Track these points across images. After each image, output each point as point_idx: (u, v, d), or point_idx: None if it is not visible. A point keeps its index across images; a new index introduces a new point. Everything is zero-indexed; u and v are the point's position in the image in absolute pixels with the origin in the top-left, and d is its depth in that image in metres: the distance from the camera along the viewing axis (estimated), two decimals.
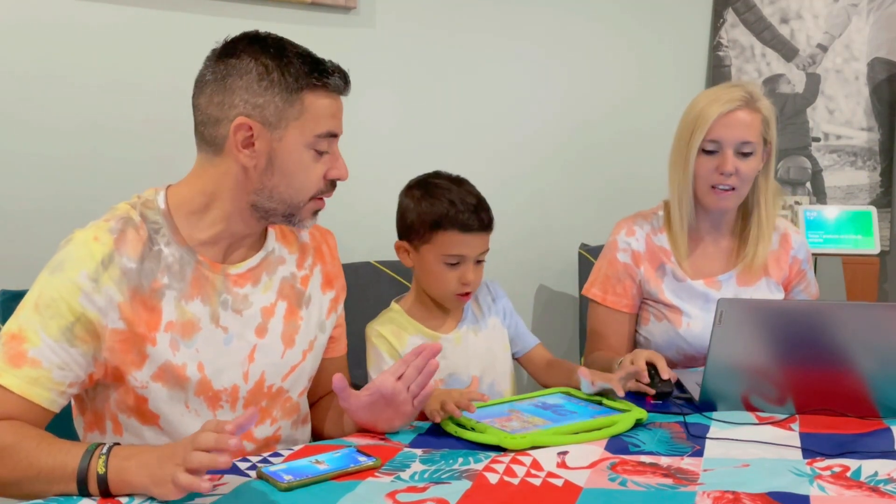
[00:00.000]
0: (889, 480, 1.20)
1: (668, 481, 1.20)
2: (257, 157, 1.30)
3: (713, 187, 1.85)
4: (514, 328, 1.83)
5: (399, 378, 1.36)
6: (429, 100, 2.51)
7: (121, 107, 2.02)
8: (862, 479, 1.21)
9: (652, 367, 1.62)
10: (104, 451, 1.14)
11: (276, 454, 1.31)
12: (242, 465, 1.25)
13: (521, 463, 1.26)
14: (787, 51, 2.96)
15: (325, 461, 1.24)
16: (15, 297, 1.48)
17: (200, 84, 1.33)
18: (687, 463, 1.28)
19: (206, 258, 1.35)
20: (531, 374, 1.84)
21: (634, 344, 2.00)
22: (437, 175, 1.72)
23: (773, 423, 1.47)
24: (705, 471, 1.24)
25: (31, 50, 1.92)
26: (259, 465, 1.24)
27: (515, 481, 1.20)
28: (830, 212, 2.71)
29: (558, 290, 2.80)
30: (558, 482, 1.20)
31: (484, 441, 1.34)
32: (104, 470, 1.12)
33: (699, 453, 1.33)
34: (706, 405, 1.54)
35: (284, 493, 1.15)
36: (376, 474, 1.22)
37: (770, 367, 1.49)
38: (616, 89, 2.85)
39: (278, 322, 1.42)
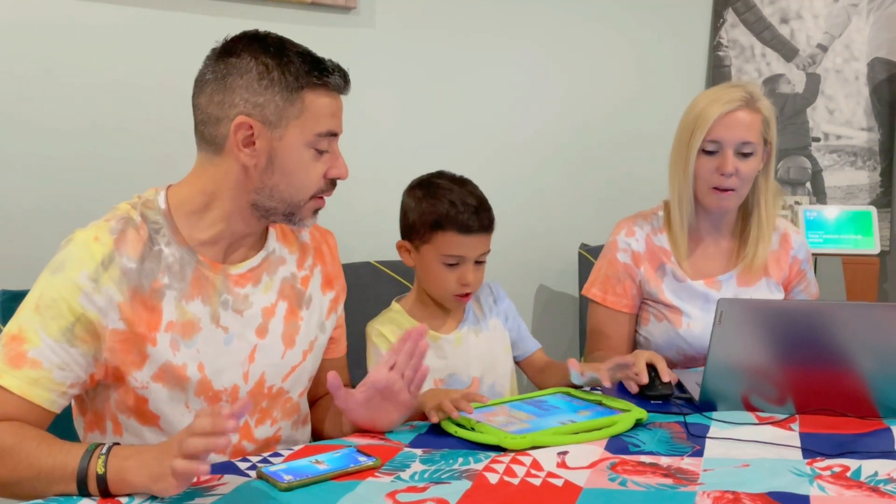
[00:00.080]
0: (889, 480, 1.20)
1: (668, 481, 1.20)
2: (258, 156, 1.30)
3: (713, 188, 1.85)
4: (517, 331, 1.83)
5: (391, 368, 1.36)
6: (429, 100, 2.51)
7: (121, 107, 2.02)
8: (862, 479, 1.21)
9: (652, 369, 1.62)
10: (104, 451, 1.14)
11: (276, 454, 1.31)
12: (242, 465, 1.25)
13: (521, 463, 1.26)
14: (787, 51, 2.96)
15: (325, 461, 1.24)
16: (15, 297, 1.48)
17: (200, 83, 1.33)
18: (687, 463, 1.28)
19: (207, 258, 1.35)
20: (529, 378, 1.85)
21: (634, 344, 2.00)
22: (440, 175, 1.72)
23: (773, 423, 1.47)
24: (705, 471, 1.24)
25: (31, 50, 1.92)
26: (259, 465, 1.24)
27: (515, 481, 1.20)
28: (830, 212, 2.71)
29: (558, 290, 2.80)
30: (558, 482, 1.20)
31: (484, 441, 1.34)
32: (103, 470, 1.12)
33: (699, 453, 1.33)
34: (706, 405, 1.54)
35: (284, 493, 1.15)
36: (376, 474, 1.22)
37: (770, 367, 1.49)
38: (616, 89, 2.85)
39: (279, 322, 1.42)
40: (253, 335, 1.39)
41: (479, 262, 1.70)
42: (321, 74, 1.31)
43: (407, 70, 2.46)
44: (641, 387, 1.61)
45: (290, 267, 1.46)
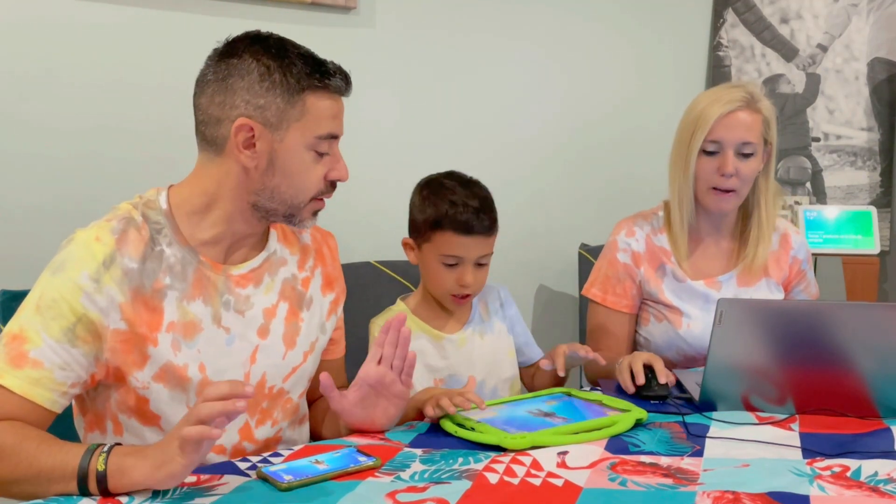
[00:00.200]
0: (889, 480, 1.20)
1: (668, 481, 1.20)
2: (258, 158, 1.31)
3: (713, 189, 1.85)
4: (523, 338, 1.83)
5: (379, 362, 1.36)
6: (429, 100, 2.51)
7: (121, 107, 2.02)
8: (862, 479, 1.21)
9: (649, 370, 1.62)
10: (105, 449, 1.14)
11: (276, 454, 1.31)
12: (242, 465, 1.25)
13: (521, 463, 1.26)
14: (787, 51, 2.96)
15: (325, 461, 1.24)
16: (15, 297, 1.48)
17: (202, 84, 1.33)
18: (687, 463, 1.28)
19: (208, 258, 1.35)
20: (525, 385, 1.85)
21: (634, 344, 2.00)
22: (448, 175, 1.73)
23: (773, 423, 1.47)
24: (705, 471, 1.24)
25: (31, 50, 1.92)
26: (259, 465, 1.24)
27: (515, 481, 1.20)
28: (830, 212, 2.71)
29: (558, 290, 2.80)
30: (558, 482, 1.20)
31: (484, 441, 1.34)
32: (104, 467, 1.12)
33: (699, 453, 1.33)
34: (706, 405, 1.54)
35: (284, 493, 1.15)
36: (376, 474, 1.22)
37: (770, 367, 1.49)
38: (616, 89, 2.85)
39: (280, 323, 1.42)
40: (254, 336, 1.39)
41: (480, 265, 1.70)
42: (322, 77, 1.31)
43: (407, 70, 2.46)
44: (638, 387, 1.61)
45: (290, 268, 1.46)
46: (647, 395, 1.60)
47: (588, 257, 2.41)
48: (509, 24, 2.63)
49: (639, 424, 1.45)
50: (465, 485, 1.18)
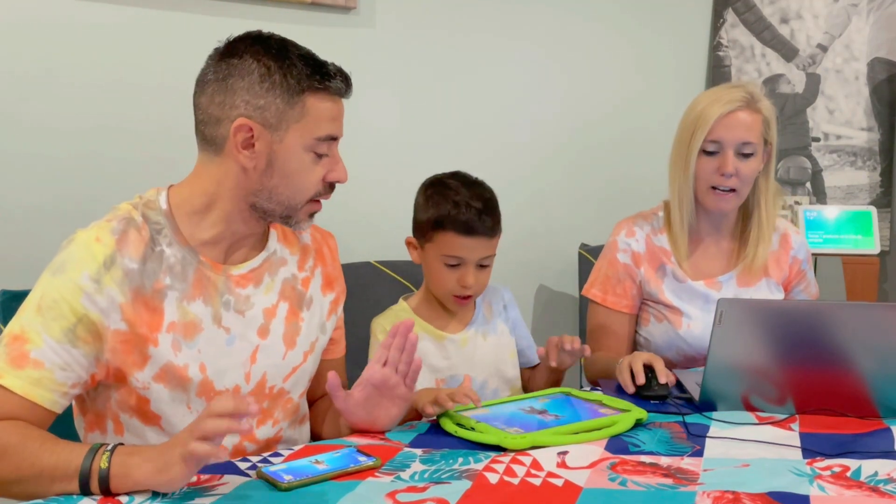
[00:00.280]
0: (889, 480, 1.20)
1: (668, 481, 1.20)
2: (257, 159, 1.31)
3: (713, 188, 1.85)
4: (525, 341, 1.83)
5: (384, 364, 1.36)
6: (429, 100, 2.51)
7: (121, 107, 2.03)
8: (862, 479, 1.21)
9: (649, 370, 1.62)
10: (108, 448, 1.14)
11: (276, 454, 1.31)
12: (242, 465, 1.25)
13: (521, 463, 1.26)
14: (787, 51, 2.96)
15: (325, 461, 1.24)
16: (15, 297, 1.48)
17: (202, 83, 1.33)
18: (687, 463, 1.28)
19: (208, 259, 1.35)
20: (522, 386, 1.85)
21: (634, 345, 2.00)
22: (453, 175, 1.72)
23: (773, 423, 1.47)
24: (705, 471, 1.24)
25: (31, 50, 1.92)
26: (259, 465, 1.24)
27: (515, 481, 1.20)
28: (830, 212, 2.71)
29: (558, 290, 2.80)
30: (558, 482, 1.20)
31: (484, 441, 1.34)
32: (107, 465, 1.12)
33: (699, 453, 1.33)
34: (706, 405, 1.54)
35: (284, 493, 1.15)
36: (376, 474, 1.22)
37: (770, 367, 1.49)
38: (616, 89, 2.85)
39: (280, 323, 1.42)
40: (254, 336, 1.39)
41: (482, 266, 1.70)
42: (323, 78, 1.31)
43: (407, 70, 2.46)
44: (638, 387, 1.61)
45: (290, 268, 1.46)
46: (648, 395, 1.60)
47: (588, 257, 2.41)
48: (509, 24, 2.64)
49: (639, 424, 1.45)
50: (465, 485, 1.18)
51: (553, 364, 1.65)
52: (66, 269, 1.26)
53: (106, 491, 1.12)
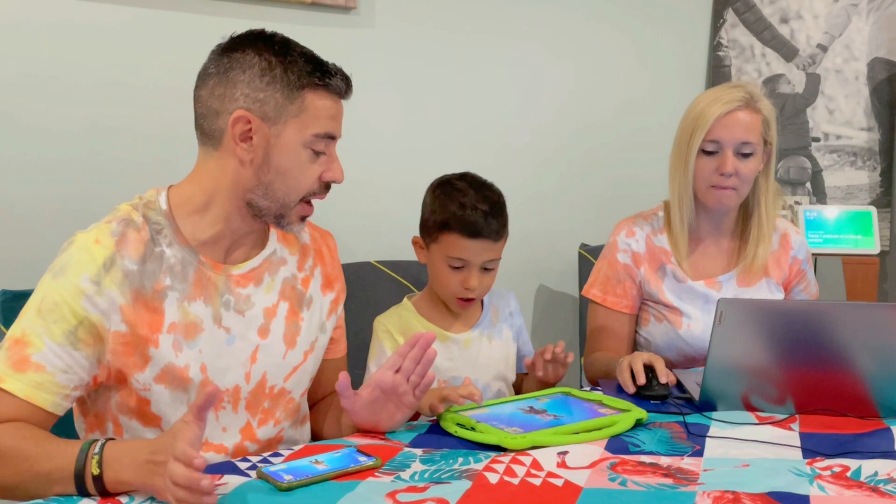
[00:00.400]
0: (889, 480, 1.20)
1: (668, 481, 1.20)
2: (254, 152, 1.31)
3: (712, 186, 1.85)
4: (526, 347, 1.83)
5: (397, 371, 1.36)
6: (429, 100, 2.51)
7: (121, 107, 2.02)
8: (862, 479, 1.21)
9: (650, 370, 1.62)
10: (97, 450, 1.13)
11: (277, 454, 1.31)
12: (242, 465, 1.25)
13: (521, 463, 1.26)
14: (787, 51, 2.96)
15: (325, 461, 1.24)
16: (16, 298, 1.48)
17: (203, 76, 1.33)
18: (687, 463, 1.28)
19: (208, 258, 1.35)
20: (514, 389, 1.85)
21: (634, 345, 2.00)
22: (462, 176, 1.72)
23: (773, 423, 1.47)
24: (705, 471, 1.24)
25: (31, 50, 1.92)
26: (259, 465, 1.24)
27: (515, 481, 1.20)
28: (830, 212, 2.71)
29: (558, 291, 2.80)
30: (558, 482, 1.20)
31: (484, 441, 1.34)
32: (98, 471, 1.12)
33: (699, 453, 1.33)
34: (706, 405, 1.54)
35: (284, 493, 1.15)
36: (376, 474, 1.22)
37: (770, 367, 1.49)
38: (616, 90, 2.85)
39: (280, 323, 1.42)
40: (255, 335, 1.39)
41: (487, 269, 1.69)
42: (323, 76, 1.31)
43: (407, 70, 2.46)
44: (638, 387, 1.61)
45: (290, 268, 1.46)
46: (648, 394, 1.60)
47: (588, 258, 2.41)
48: (509, 25, 2.63)
49: (639, 424, 1.45)
50: (465, 485, 1.18)
51: (539, 374, 1.66)
52: (66, 272, 1.26)
53: (103, 491, 1.13)
